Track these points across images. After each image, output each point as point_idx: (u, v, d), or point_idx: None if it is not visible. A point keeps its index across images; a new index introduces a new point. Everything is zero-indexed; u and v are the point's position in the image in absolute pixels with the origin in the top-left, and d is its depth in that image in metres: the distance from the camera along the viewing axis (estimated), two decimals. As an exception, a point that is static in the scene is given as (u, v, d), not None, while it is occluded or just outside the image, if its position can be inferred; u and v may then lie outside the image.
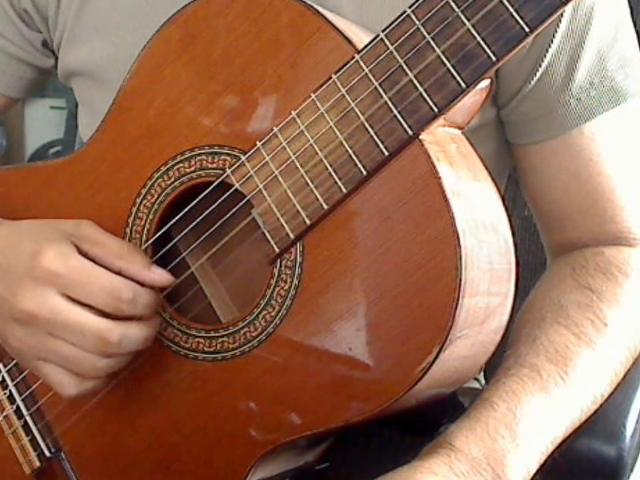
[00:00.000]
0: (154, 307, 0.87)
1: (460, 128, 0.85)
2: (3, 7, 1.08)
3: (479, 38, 0.77)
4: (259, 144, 0.84)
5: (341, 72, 0.81)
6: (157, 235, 0.90)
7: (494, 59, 0.77)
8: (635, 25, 1.02)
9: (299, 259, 0.84)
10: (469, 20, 0.77)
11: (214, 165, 0.87)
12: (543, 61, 0.97)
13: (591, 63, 0.99)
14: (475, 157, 0.85)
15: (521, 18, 0.76)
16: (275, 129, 0.84)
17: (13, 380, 0.97)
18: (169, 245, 0.90)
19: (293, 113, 0.83)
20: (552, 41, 0.96)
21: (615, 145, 1.02)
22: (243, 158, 0.85)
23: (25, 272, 0.86)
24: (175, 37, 0.89)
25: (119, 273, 0.86)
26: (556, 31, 0.96)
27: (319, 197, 0.82)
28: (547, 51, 0.97)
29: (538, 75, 0.98)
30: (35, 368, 0.89)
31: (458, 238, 0.78)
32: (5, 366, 0.97)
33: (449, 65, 0.78)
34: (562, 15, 0.95)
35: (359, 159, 0.81)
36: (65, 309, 0.85)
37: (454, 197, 0.79)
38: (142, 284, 0.86)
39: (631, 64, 1.01)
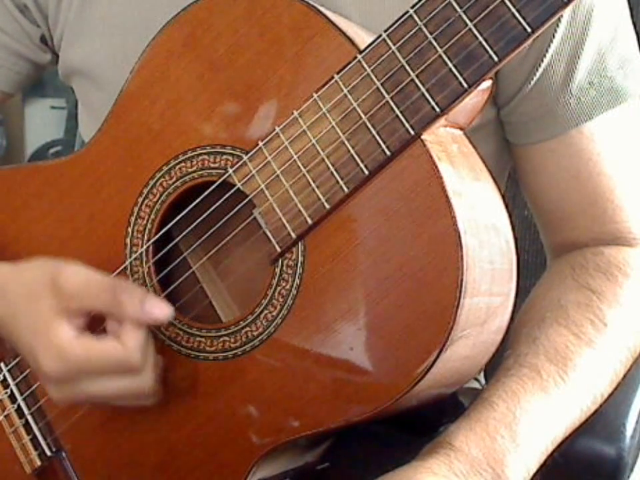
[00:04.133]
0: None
1: (461, 128, 0.85)
2: (2, 1, 1.08)
3: (480, 38, 0.77)
4: (261, 144, 0.85)
5: (343, 72, 0.81)
6: (159, 234, 0.90)
7: (496, 59, 0.77)
8: (634, 25, 1.02)
9: (300, 259, 0.84)
10: (471, 20, 0.77)
11: (216, 165, 0.87)
12: (542, 61, 0.97)
13: (591, 63, 0.99)
14: (476, 157, 0.86)
15: (523, 18, 0.76)
16: (277, 129, 0.84)
17: (14, 379, 0.96)
18: (170, 245, 0.90)
19: (295, 113, 0.83)
20: (551, 41, 0.96)
21: (615, 145, 1.02)
22: (245, 158, 0.85)
23: (36, 371, 0.89)
24: (178, 38, 0.89)
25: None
26: (555, 31, 0.96)
27: (320, 196, 0.82)
28: (546, 51, 0.97)
29: (537, 75, 0.98)
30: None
31: (459, 238, 0.78)
32: (6, 365, 0.97)
33: (450, 65, 0.78)
34: (562, 15, 0.95)
35: (361, 158, 0.81)
36: (94, 390, 0.86)
37: (455, 197, 0.79)
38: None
39: (630, 64, 1.01)
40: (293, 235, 0.84)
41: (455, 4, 0.78)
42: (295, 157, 0.83)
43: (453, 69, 0.78)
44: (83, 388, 0.86)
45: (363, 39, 0.83)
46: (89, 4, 1.03)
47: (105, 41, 1.03)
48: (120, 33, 1.01)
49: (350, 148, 0.81)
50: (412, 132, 0.79)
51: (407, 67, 0.79)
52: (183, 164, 0.89)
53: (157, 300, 0.87)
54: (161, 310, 0.86)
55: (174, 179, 0.89)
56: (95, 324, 0.87)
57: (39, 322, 0.87)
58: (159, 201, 0.90)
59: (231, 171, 0.86)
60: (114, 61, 1.01)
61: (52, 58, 1.11)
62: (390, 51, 0.80)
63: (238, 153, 0.86)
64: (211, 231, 0.88)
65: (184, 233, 0.89)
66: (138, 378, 0.86)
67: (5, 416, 0.97)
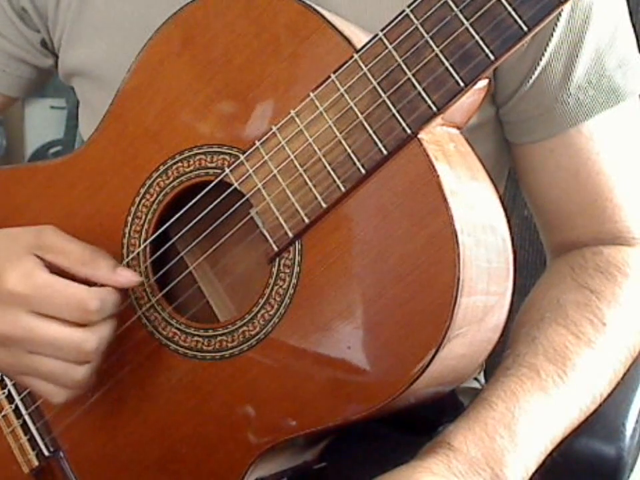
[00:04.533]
0: (121, 304, 0.88)
1: (458, 127, 0.85)
2: (1, 5, 1.08)
3: (477, 37, 0.77)
4: (257, 143, 0.85)
5: (339, 71, 0.81)
6: (156, 234, 0.90)
7: (492, 57, 0.77)
8: (634, 27, 1.02)
9: (297, 258, 0.84)
10: (467, 19, 0.77)
11: (213, 164, 0.87)
12: (541, 60, 0.97)
13: (589, 62, 0.99)
14: (473, 156, 0.86)
15: (519, 17, 0.76)
16: (274, 128, 0.84)
17: (11, 379, 0.97)
18: (167, 245, 0.90)
19: (292, 112, 0.83)
20: (550, 40, 0.96)
21: (614, 144, 1.02)
22: (242, 157, 0.85)
23: None
24: (175, 37, 0.89)
25: (86, 280, 0.86)
26: (554, 30, 0.96)
27: (317, 195, 0.82)
28: (545, 49, 0.97)
29: (536, 73, 0.98)
30: (22, 382, 0.91)
31: (456, 237, 0.78)
32: (3, 366, 0.97)
33: (447, 63, 0.78)
34: (560, 14, 0.95)
35: (358, 157, 0.81)
36: (36, 326, 0.85)
37: (452, 196, 0.79)
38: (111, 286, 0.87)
39: (629, 63, 1.01)
40: (290, 235, 0.84)
41: (451, 3, 0.77)
42: (292, 156, 0.83)
43: (450, 68, 0.78)
44: (29, 321, 0.85)
45: (360, 38, 0.83)
46: (87, 4, 1.03)
47: (104, 40, 1.03)
48: (119, 32, 1.02)
49: (347, 147, 0.81)
50: (408, 131, 0.79)
51: (404, 66, 0.79)
52: (179, 163, 0.89)
53: (130, 270, 0.89)
54: (131, 275, 0.88)
55: (171, 178, 0.89)
56: None
57: (13, 252, 0.87)
58: (156, 201, 0.90)
59: (227, 170, 0.86)
60: (114, 60, 1.01)
61: (54, 61, 1.11)
62: (386, 50, 0.80)
63: (235, 153, 0.86)
64: (208, 230, 0.88)
65: (181, 233, 0.89)
66: (85, 332, 0.85)
67: (3, 416, 0.97)
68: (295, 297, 0.84)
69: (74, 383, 0.87)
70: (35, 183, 0.97)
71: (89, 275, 0.86)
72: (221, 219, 0.87)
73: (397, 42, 0.80)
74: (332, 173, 0.82)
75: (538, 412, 0.89)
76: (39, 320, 0.85)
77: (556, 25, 0.96)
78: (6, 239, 0.90)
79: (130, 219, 0.91)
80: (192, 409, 0.89)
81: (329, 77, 0.82)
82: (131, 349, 0.90)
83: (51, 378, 0.87)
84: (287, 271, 0.84)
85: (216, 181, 0.86)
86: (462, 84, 0.78)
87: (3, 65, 1.11)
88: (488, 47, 0.77)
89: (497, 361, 0.94)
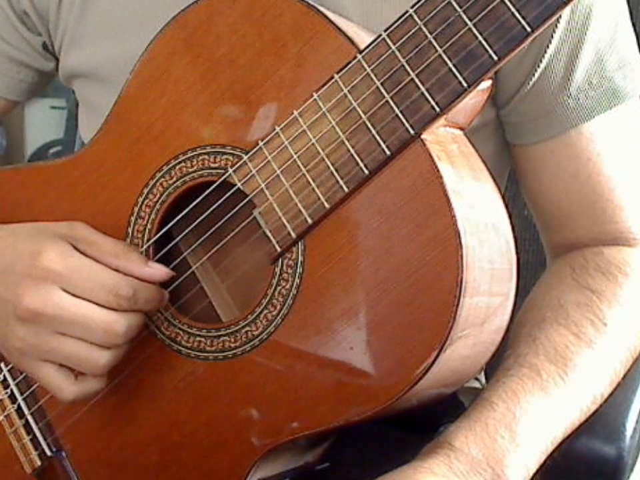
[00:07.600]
0: (157, 302, 0.88)
1: (461, 128, 0.85)
2: (2, 8, 1.08)
3: (480, 38, 0.77)
4: (260, 143, 0.85)
5: (343, 72, 0.82)
6: (159, 234, 0.90)
7: (495, 58, 0.77)
8: (634, 26, 1.02)
9: (300, 258, 0.84)
10: (470, 20, 0.77)
11: (216, 165, 0.87)
12: (541, 61, 0.97)
13: (590, 63, 0.99)
14: (476, 157, 0.86)
15: (523, 18, 0.76)
16: (277, 129, 0.84)
17: (14, 379, 0.96)
18: (170, 245, 0.90)
19: (295, 113, 0.83)
20: (550, 41, 0.96)
21: (614, 145, 1.02)
22: (245, 157, 0.85)
23: (25, 271, 0.86)
24: (178, 38, 0.89)
25: (117, 271, 0.86)
26: (554, 31, 0.96)
27: (320, 196, 0.82)
28: (545, 51, 0.97)
29: (536, 75, 0.98)
30: (35, 370, 0.89)
31: (459, 237, 0.78)
32: (6, 365, 0.97)
33: (450, 64, 0.78)
34: (560, 15, 0.95)
35: (361, 158, 0.81)
36: (70, 303, 0.85)
37: (455, 197, 0.79)
38: (142, 280, 0.87)
39: (629, 64, 1.01)
40: (293, 235, 0.84)
41: (454, 4, 0.78)
42: (295, 156, 0.83)
43: (453, 69, 0.78)
44: (62, 298, 0.85)
45: (363, 38, 0.83)
46: (90, 5, 1.03)
47: (107, 41, 1.03)
48: (122, 33, 1.02)
49: (350, 147, 0.81)
50: (412, 131, 0.79)
51: (407, 67, 0.79)
52: (183, 164, 0.89)
53: (160, 265, 0.89)
54: (163, 268, 0.88)
55: (174, 178, 0.89)
56: None
57: (47, 235, 0.88)
58: (159, 201, 0.90)
59: (231, 170, 0.86)
60: (116, 61, 1.01)
61: (56, 64, 1.11)
62: (390, 51, 0.80)
63: (238, 153, 0.86)
64: (211, 230, 0.88)
65: (184, 233, 0.89)
66: (116, 314, 0.85)
67: (5, 416, 0.97)
68: (297, 298, 0.84)
69: (94, 368, 0.87)
70: (37, 183, 0.97)
71: (121, 266, 0.86)
72: (224, 219, 0.87)
73: (400, 42, 0.80)
74: (335, 173, 0.82)
75: (539, 412, 0.89)
76: (72, 298, 0.85)
77: (556, 26, 0.96)
78: (39, 227, 0.91)
79: (133, 219, 0.91)
80: (194, 409, 0.89)
81: (332, 77, 0.82)
82: (133, 349, 0.89)
83: (73, 361, 0.87)
84: (290, 271, 0.84)
85: (219, 181, 0.86)
86: (465, 84, 0.78)
87: (5, 68, 1.11)
88: (491, 48, 0.77)
89: (497, 361, 0.94)
